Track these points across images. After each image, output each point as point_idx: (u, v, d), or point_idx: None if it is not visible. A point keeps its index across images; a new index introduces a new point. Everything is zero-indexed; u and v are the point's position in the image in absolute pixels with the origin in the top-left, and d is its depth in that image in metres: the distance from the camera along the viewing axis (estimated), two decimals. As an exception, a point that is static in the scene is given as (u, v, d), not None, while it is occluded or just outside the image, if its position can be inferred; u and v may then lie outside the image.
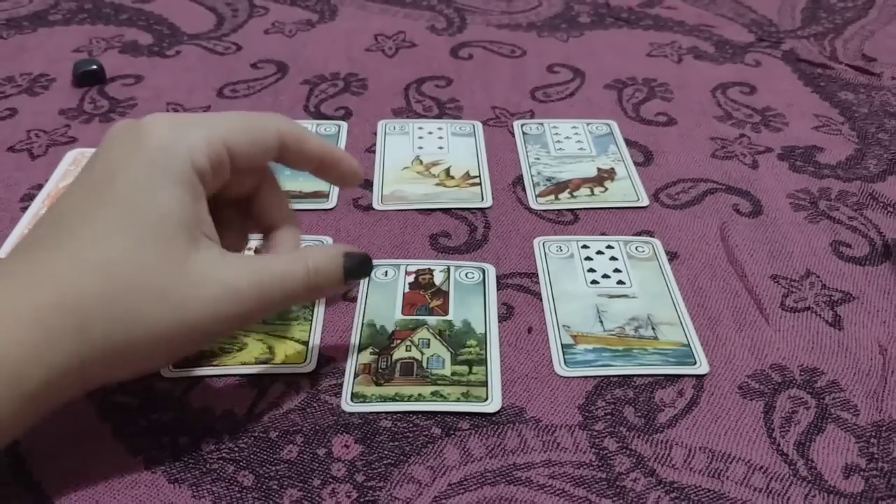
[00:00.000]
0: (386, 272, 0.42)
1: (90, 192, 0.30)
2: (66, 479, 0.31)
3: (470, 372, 0.37)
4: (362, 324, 0.39)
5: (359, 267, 0.34)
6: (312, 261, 0.32)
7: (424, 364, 0.37)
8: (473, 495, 0.31)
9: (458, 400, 0.35)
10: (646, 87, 0.61)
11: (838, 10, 0.74)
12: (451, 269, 0.42)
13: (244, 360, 0.37)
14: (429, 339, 0.38)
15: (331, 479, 0.32)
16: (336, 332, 0.39)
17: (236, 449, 0.33)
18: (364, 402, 0.35)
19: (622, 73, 0.63)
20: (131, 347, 0.28)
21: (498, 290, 0.41)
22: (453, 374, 0.36)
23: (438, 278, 0.42)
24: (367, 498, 0.31)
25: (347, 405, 0.35)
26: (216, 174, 0.32)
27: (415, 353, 0.37)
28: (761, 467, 0.33)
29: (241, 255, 0.32)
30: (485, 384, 0.36)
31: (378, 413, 0.35)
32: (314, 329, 0.39)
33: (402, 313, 0.40)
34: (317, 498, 0.31)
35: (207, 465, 0.32)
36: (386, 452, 0.33)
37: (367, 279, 0.41)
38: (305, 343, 0.38)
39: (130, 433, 0.33)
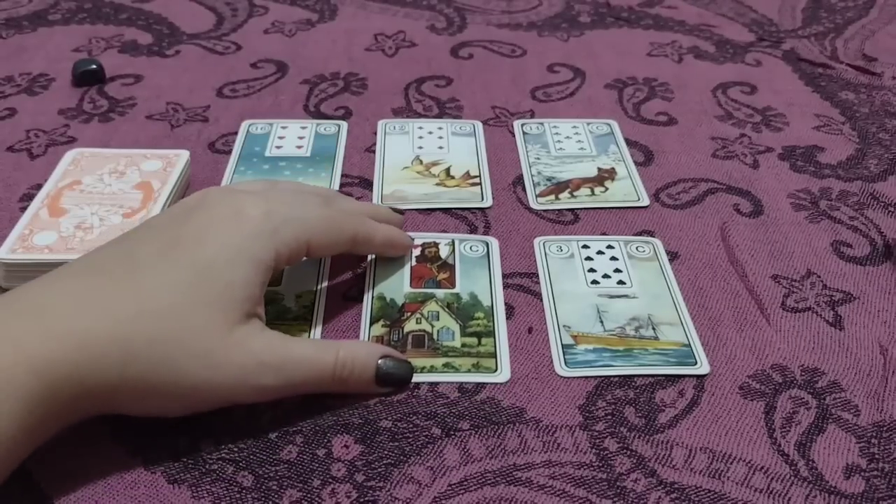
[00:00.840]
0: None
1: (171, 247, 0.32)
2: (66, 480, 0.31)
3: (479, 343, 0.38)
4: (372, 297, 0.40)
5: (394, 374, 0.35)
6: (344, 353, 0.34)
7: (435, 336, 0.38)
8: (473, 496, 0.31)
9: (469, 371, 0.36)
10: (646, 87, 0.61)
11: (839, 9, 0.74)
12: (456, 242, 0.44)
13: (244, 361, 0.37)
14: (438, 312, 0.39)
15: (331, 480, 0.32)
16: (336, 333, 0.39)
17: (236, 449, 0.33)
18: None
19: (623, 72, 0.63)
20: (158, 391, 0.30)
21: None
22: (463, 345, 0.38)
23: (444, 251, 0.43)
24: (367, 498, 0.31)
25: None
26: (288, 263, 0.35)
27: (425, 326, 0.39)
28: (762, 468, 0.33)
29: (279, 333, 0.34)
30: (494, 355, 0.37)
31: None
32: (314, 329, 0.39)
33: (411, 286, 0.41)
34: (317, 498, 0.31)
35: (207, 466, 0.32)
36: (386, 452, 0.33)
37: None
38: (305, 343, 0.38)
39: (130, 434, 0.33)
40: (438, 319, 0.39)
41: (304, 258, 0.36)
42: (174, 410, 0.32)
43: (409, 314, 0.39)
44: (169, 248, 0.32)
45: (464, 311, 0.40)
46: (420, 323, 0.39)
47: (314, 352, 0.34)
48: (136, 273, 0.31)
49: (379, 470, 0.32)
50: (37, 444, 0.29)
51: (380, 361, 0.35)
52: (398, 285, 0.41)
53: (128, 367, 0.29)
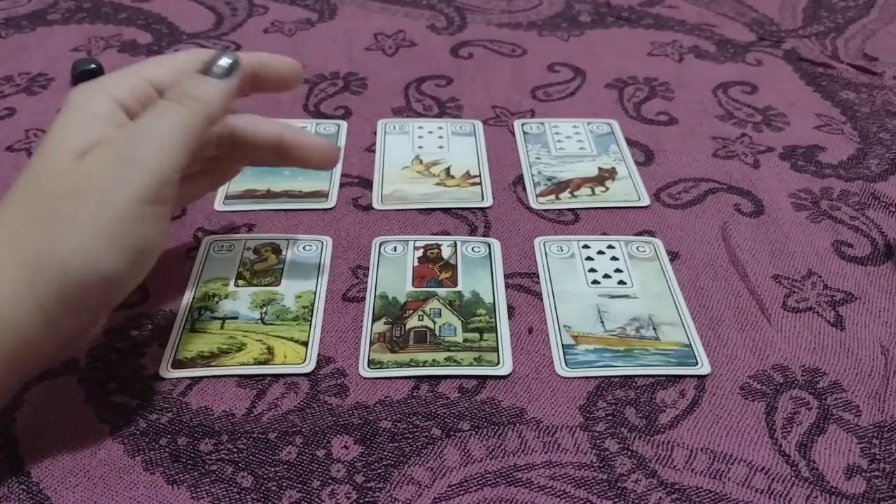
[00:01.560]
0: (395, 247, 0.43)
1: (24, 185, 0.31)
2: (65, 480, 0.31)
3: (481, 339, 0.38)
4: (375, 296, 0.40)
5: (212, 59, 0.34)
6: (172, 92, 0.33)
7: (437, 332, 0.38)
8: (474, 496, 0.31)
9: (471, 364, 0.36)
10: (647, 87, 0.61)
11: (840, 9, 0.74)
12: (458, 243, 0.44)
13: (243, 361, 0.37)
14: (440, 309, 0.39)
15: (330, 481, 0.32)
16: (336, 333, 0.39)
17: (235, 450, 0.33)
18: (381, 367, 0.36)
19: (623, 72, 0.63)
20: (69, 252, 0.29)
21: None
22: (465, 340, 0.38)
23: (446, 252, 0.43)
24: (366, 499, 0.31)
25: (364, 371, 0.36)
26: (140, 102, 0.34)
27: (427, 322, 0.39)
28: (763, 468, 0.32)
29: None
30: (496, 349, 0.37)
31: (395, 378, 0.36)
32: (314, 329, 0.39)
33: (413, 285, 0.41)
34: (316, 499, 0.31)
35: (206, 467, 0.32)
36: (386, 453, 0.33)
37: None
38: (305, 343, 0.38)
39: (129, 434, 0.33)
40: (440, 316, 0.39)
41: (166, 98, 0.34)
42: (115, 263, 0.30)
43: (411, 312, 0.39)
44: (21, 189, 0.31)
45: (465, 308, 0.40)
46: (422, 320, 0.39)
47: (145, 114, 0.33)
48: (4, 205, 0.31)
49: (379, 471, 0.32)
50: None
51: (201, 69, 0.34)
52: (400, 284, 0.41)
53: (22, 254, 0.29)
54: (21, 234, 0.29)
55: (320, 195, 0.48)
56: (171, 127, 0.32)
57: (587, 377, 0.36)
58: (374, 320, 0.39)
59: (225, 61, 0.35)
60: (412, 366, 0.36)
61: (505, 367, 0.37)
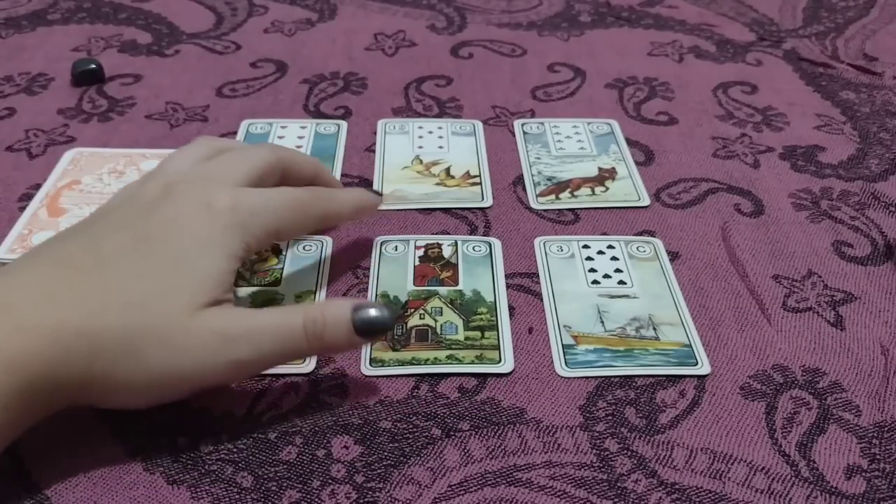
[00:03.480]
0: (396, 247, 0.44)
1: (140, 239, 0.32)
2: (65, 480, 0.31)
3: (482, 337, 0.38)
4: (376, 295, 0.40)
5: (375, 318, 0.33)
6: (313, 311, 0.32)
7: (438, 330, 0.38)
8: (474, 496, 0.31)
9: (472, 362, 0.37)
10: (647, 87, 0.61)
11: (840, 9, 0.74)
12: (459, 242, 0.44)
13: (243, 361, 0.37)
14: (441, 308, 0.40)
15: (330, 481, 0.32)
16: (336, 333, 0.39)
17: (235, 450, 0.33)
18: (382, 366, 0.36)
19: (623, 72, 0.63)
20: (126, 383, 0.30)
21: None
22: (466, 338, 0.38)
23: (447, 251, 0.43)
24: (366, 499, 0.31)
25: (366, 369, 0.36)
26: (258, 251, 0.36)
27: (428, 321, 0.39)
28: (763, 468, 0.32)
29: (245, 308, 0.34)
30: (497, 347, 0.37)
31: (397, 376, 0.36)
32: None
33: (414, 284, 0.41)
34: (316, 499, 0.31)
35: (206, 466, 0.32)
36: (386, 453, 0.33)
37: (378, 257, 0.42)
38: (305, 343, 0.38)
39: (129, 434, 0.33)
40: (442, 315, 0.39)
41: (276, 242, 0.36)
42: (147, 400, 0.32)
43: (412, 310, 0.39)
44: (137, 241, 0.32)
45: (467, 306, 0.40)
46: (423, 318, 0.39)
47: (281, 315, 0.33)
48: (104, 266, 0.31)
49: (379, 471, 0.32)
50: (11, 439, 0.29)
51: (354, 313, 0.32)
52: (401, 283, 0.41)
53: (95, 362, 0.29)
54: (105, 345, 0.29)
55: (320, 195, 0.48)
56: (282, 354, 0.33)
57: (587, 377, 0.36)
58: None
59: (381, 329, 0.33)
60: (414, 364, 0.36)
61: (507, 365, 0.37)
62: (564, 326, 0.39)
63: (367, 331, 0.33)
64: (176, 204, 0.33)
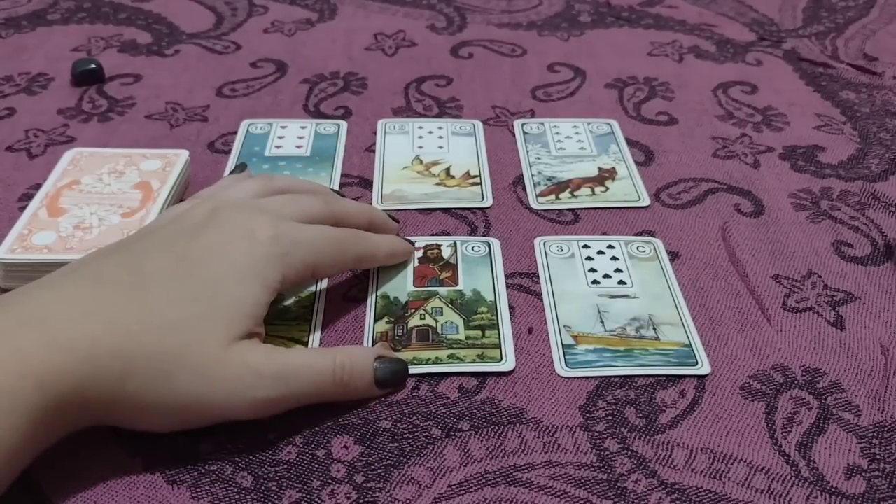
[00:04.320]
0: None
1: (180, 262, 0.32)
2: (65, 481, 0.31)
3: (483, 336, 0.38)
4: (376, 295, 0.40)
5: (391, 376, 0.35)
6: (342, 357, 0.34)
7: (439, 330, 0.38)
8: (474, 497, 0.31)
9: (473, 361, 0.36)
10: (647, 87, 0.61)
11: (839, 9, 0.74)
12: (458, 243, 0.44)
13: (243, 361, 0.37)
14: (441, 308, 0.40)
15: (330, 481, 0.32)
16: (336, 333, 0.39)
17: (235, 450, 0.33)
18: None
19: (623, 72, 0.63)
20: (154, 406, 0.30)
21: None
22: (467, 338, 0.38)
23: (446, 252, 0.43)
24: (366, 499, 0.31)
25: None
26: (293, 285, 0.36)
27: (429, 321, 0.39)
28: (763, 468, 0.32)
29: (276, 346, 0.34)
30: (498, 346, 0.37)
31: None
32: (314, 329, 0.39)
33: (414, 285, 0.41)
34: (316, 499, 0.31)
35: (206, 467, 0.32)
36: (385, 453, 0.33)
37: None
38: (305, 343, 0.38)
39: (129, 434, 0.33)
40: (442, 315, 0.39)
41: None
42: (171, 425, 0.32)
43: (412, 311, 0.40)
44: (178, 263, 0.32)
45: (467, 306, 0.40)
46: (424, 318, 0.39)
47: (312, 358, 0.34)
48: (143, 286, 0.31)
49: (378, 471, 0.32)
50: (37, 453, 0.29)
51: (376, 363, 0.34)
52: (402, 284, 0.41)
53: (126, 382, 0.29)
54: (138, 368, 0.30)
55: (320, 195, 0.48)
56: (307, 396, 0.33)
57: (587, 377, 0.36)
58: (375, 319, 0.39)
59: (400, 381, 0.35)
60: (415, 364, 0.36)
61: (508, 364, 0.37)
62: (564, 326, 0.39)
63: (386, 384, 0.35)
64: (220, 229, 0.34)
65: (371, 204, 0.47)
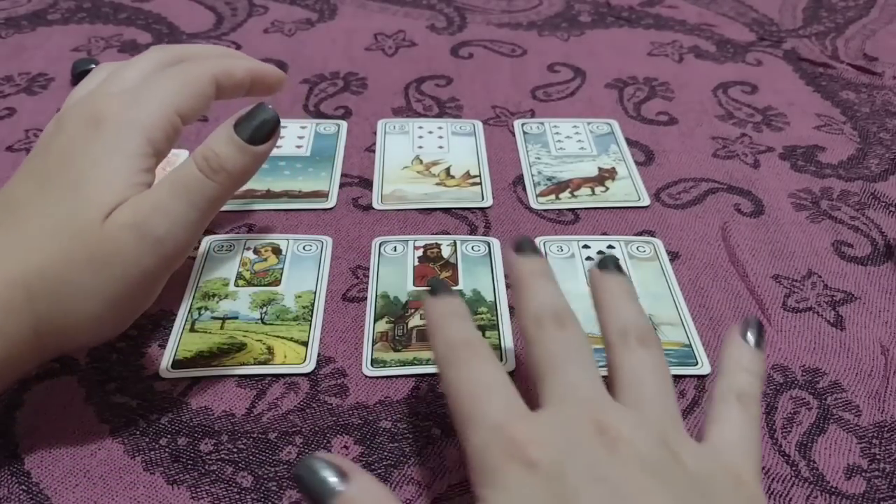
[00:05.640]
0: (395, 248, 0.43)
1: (43, 177, 0.31)
2: (65, 480, 0.31)
3: (484, 336, 0.37)
4: (376, 295, 0.40)
5: (258, 129, 0.33)
6: (201, 149, 0.32)
7: None
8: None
9: None
10: (647, 87, 0.61)
11: (840, 9, 0.74)
12: (458, 242, 0.44)
13: (243, 361, 0.37)
14: None
15: (330, 481, 0.32)
16: (336, 333, 0.39)
17: (235, 450, 0.33)
18: (384, 366, 0.36)
19: (623, 72, 0.63)
20: (77, 315, 0.30)
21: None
22: None
23: (446, 252, 0.43)
24: (366, 499, 0.31)
25: (368, 370, 0.36)
26: (170, 140, 0.33)
27: None
28: (763, 468, 0.32)
29: (144, 192, 0.32)
30: (498, 346, 0.37)
31: (398, 377, 0.36)
32: (313, 329, 0.39)
33: (414, 285, 0.41)
34: (316, 499, 0.31)
35: (206, 467, 0.32)
36: (386, 454, 0.33)
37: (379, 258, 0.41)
38: (305, 343, 0.38)
39: (129, 434, 0.33)
40: None
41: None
42: (113, 324, 0.32)
43: (412, 311, 0.39)
44: (42, 181, 0.31)
45: (467, 306, 0.40)
46: (424, 318, 0.39)
47: (174, 173, 0.32)
48: (16, 215, 0.31)
49: (378, 471, 0.32)
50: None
51: (234, 126, 0.32)
52: (401, 284, 0.41)
53: (36, 305, 0.29)
54: (37, 287, 0.29)
55: (320, 195, 0.48)
56: (197, 206, 0.31)
57: (587, 377, 0.36)
58: (376, 319, 0.39)
59: (266, 125, 0.33)
60: (415, 364, 0.36)
61: (508, 365, 0.37)
62: (564, 326, 0.39)
63: (255, 134, 0.33)
64: (66, 131, 0.32)
65: (371, 204, 0.47)
